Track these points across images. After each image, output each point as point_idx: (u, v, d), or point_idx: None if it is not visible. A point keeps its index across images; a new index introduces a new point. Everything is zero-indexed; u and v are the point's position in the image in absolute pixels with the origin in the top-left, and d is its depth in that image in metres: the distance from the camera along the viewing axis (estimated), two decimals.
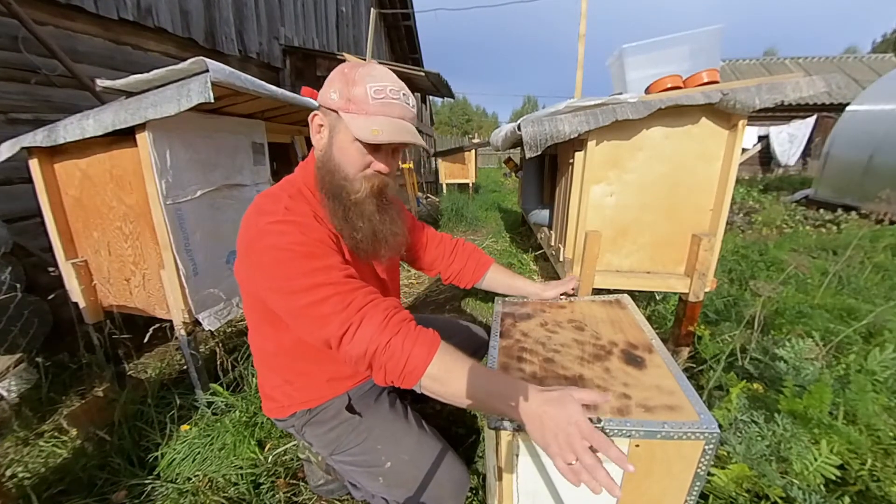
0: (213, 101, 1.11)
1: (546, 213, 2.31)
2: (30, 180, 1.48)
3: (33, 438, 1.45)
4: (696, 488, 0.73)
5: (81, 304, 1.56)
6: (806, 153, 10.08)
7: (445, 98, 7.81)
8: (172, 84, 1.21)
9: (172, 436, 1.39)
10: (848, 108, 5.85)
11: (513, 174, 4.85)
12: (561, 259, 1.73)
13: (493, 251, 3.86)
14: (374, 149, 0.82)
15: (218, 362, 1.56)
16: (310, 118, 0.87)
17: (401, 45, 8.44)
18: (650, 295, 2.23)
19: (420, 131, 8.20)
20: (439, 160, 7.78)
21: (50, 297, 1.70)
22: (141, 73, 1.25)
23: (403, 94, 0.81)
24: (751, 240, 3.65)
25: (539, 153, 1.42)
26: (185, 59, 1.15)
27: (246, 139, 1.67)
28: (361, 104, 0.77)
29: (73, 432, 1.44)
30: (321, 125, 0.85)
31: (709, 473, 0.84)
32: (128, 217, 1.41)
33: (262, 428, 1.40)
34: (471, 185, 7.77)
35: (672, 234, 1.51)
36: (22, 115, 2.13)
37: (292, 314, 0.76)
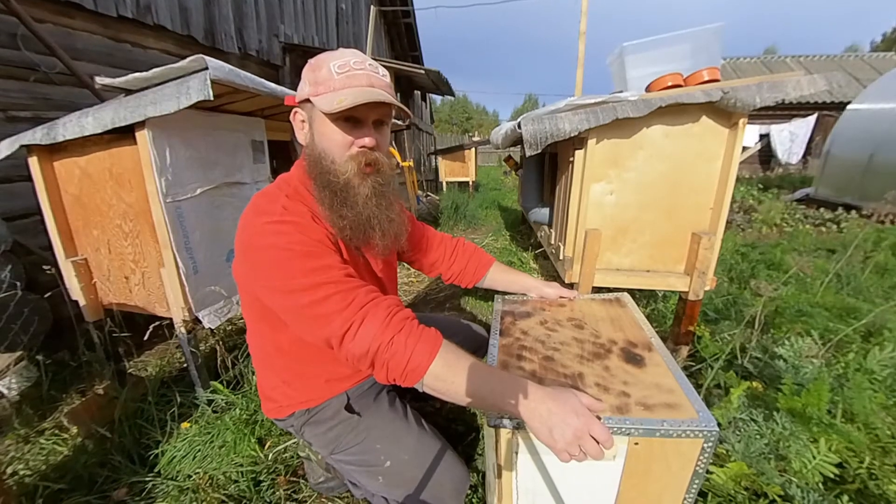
0: (212, 98, 1.10)
1: (546, 211, 2.31)
2: (29, 178, 1.48)
3: (34, 436, 1.45)
4: (694, 486, 0.74)
5: (81, 302, 1.56)
6: (807, 152, 10.06)
7: (445, 96, 7.81)
8: (172, 82, 1.21)
9: (173, 433, 1.39)
10: (849, 107, 5.83)
11: (513, 172, 4.85)
12: (561, 257, 1.73)
13: (493, 249, 3.86)
14: (354, 125, 0.81)
15: (218, 360, 1.56)
16: (291, 117, 0.88)
17: (401, 42, 8.42)
18: (650, 293, 2.24)
19: (419, 129, 8.18)
20: (439, 158, 7.77)
21: (49, 295, 1.70)
22: (140, 70, 1.25)
23: (369, 65, 0.80)
24: (751, 238, 3.65)
25: (539, 151, 1.42)
26: (184, 57, 1.15)
27: (245, 137, 1.67)
28: (327, 83, 0.77)
29: (74, 430, 1.44)
30: (302, 120, 0.86)
31: (707, 471, 0.84)
32: (127, 215, 1.41)
33: (263, 425, 1.40)
34: (471, 183, 7.76)
35: (672, 233, 1.51)
36: (21, 113, 2.12)
37: (292, 313, 0.76)
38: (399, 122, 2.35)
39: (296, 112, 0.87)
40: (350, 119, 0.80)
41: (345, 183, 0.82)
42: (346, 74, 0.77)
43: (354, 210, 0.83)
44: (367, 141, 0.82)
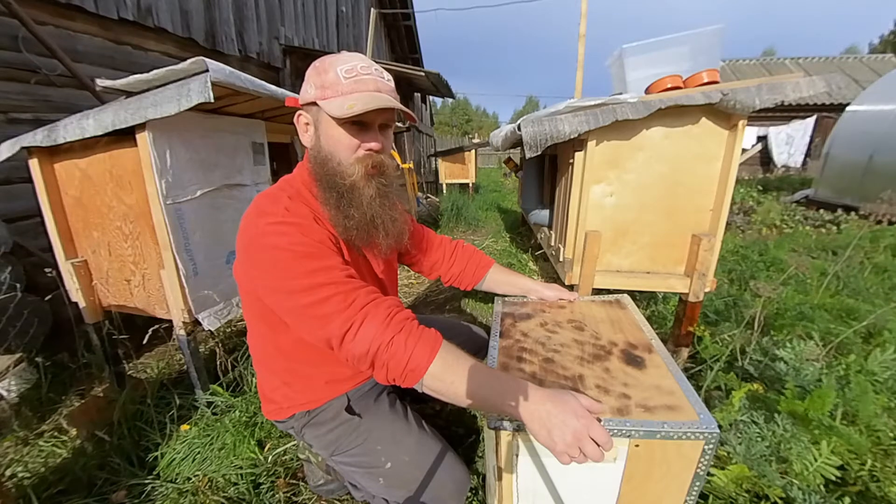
0: (213, 100, 1.10)
1: (546, 213, 2.31)
2: (30, 180, 1.48)
3: (33, 438, 1.45)
4: (695, 488, 0.73)
5: (81, 304, 1.56)
6: (807, 153, 10.06)
7: (445, 98, 7.82)
8: (172, 84, 1.21)
9: (172, 436, 1.39)
10: (848, 109, 5.84)
11: (513, 174, 4.85)
12: (561, 259, 1.73)
13: (493, 251, 3.86)
14: (361, 129, 0.82)
15: (218, 362, 1.56)
16: (295, 119, 0.88)
17: (401, 45, 8.45)
18: (650, 295, 2.23)
19: (419, 131, 8.19)
20: (439, 160, 7.78)
21: (49, 297, 1.70)
22: (141, 72, 1.25)
23: (375, 70, 0.81)
24: (750, 240, 3.66)
25: (539, 153, 1.42)
26: (185, 59, 1.15)
27: (246, 139, 1.67)
28: (335, 87, 0.78)
29: (73, 432, 1.44)
30: (307, 123, 0.86)
31: (708, 473, 0.84)
32: (128, 217, 1.41)
33: (262, 428, 1.40)
34: (471, 185, 7.76)
35: (672, 235, 1.51)
36: (22, 115, 2.13)
37: (293, 314, 0.76)
38: (399, 125, 2.36)
39: (300, 114, 0.87)
40: (357, 122, 0.81)
41: (351, 185, 0.83)
42: (353, 79, 0.78)
43: (360, 210, 0.84)
44: (375, 145, 0.83)
